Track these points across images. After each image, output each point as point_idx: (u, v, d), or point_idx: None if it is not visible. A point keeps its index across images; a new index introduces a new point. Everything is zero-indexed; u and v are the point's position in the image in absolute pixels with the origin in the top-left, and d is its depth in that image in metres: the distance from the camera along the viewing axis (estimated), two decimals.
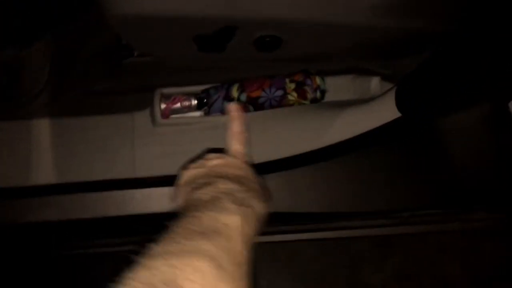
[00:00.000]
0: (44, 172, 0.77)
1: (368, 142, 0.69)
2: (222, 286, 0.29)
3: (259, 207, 0.42)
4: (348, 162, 0.71)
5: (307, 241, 1.23)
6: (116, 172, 0.77)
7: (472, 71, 0.52)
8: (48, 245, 1.09)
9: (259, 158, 0.73)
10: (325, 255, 1.27)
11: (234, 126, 0.52)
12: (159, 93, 0.79)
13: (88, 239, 1.08)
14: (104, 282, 0.29)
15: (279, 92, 0.77)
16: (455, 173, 0.71)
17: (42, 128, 0.78)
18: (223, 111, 0.78)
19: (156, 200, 0.72)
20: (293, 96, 0.77)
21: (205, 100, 0.79)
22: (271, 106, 0.78)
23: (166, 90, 0.80)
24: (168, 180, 0.54)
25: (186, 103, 0.79)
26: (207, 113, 0.80)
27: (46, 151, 0.77)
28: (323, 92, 0.79)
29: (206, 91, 0.81)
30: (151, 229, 0.34)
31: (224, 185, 0.42)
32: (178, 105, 0.79)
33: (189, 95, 0.80)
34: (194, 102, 0.79)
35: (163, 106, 0.79)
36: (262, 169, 0.70)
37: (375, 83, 0.81)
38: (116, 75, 0.81)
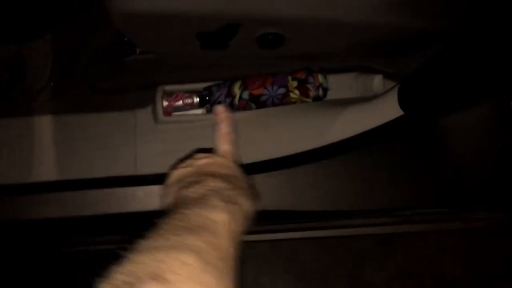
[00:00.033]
0: (46, 169, 0.77)
1: (370, 141, 0.69)
2: (207, 279, 0.29)
3: (246, 205, 0.43)
4: (350, 160, 0.71)
5: (309, 239, 1.23)
6: (118, 169, 0.77)
7: (474, 71, 0.52)
8: (48, 242, 1.09)
9: (261, 156, 0.73)
10: (327, 253, 1.27)
11: (222, 127, 0.53)
12: (161, 91, 0.79)
13: (89, 237, 1.08)
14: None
15: (281, 90, 0.77)
16: (456, 172, 0.71)
17: (44, 125, 0.78)
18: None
19: (157, 198, 0.72)
20: (295, 94, 0.77)
21: (207, 97, 0.79)
22: (273, 104, 0.78)
23: (168, 88, 0.80)
24: None
25: (188, 101, 0.79)
26: (209, 111, 0.80)
27: (47, 148, 0.77)
28: (325, 90, 0.79)
29: (208, 88, 0.81)
30: (150, 227, 0.34)
31: (212, 183, 0.43)
32: (180, 102, 0.79)
33: (191, 93, 0.80)
34: (196, 99, 0.79)
35: (165, 103, 0.79)
36: (264, 167, 0.71)
37: (377, 81, 0.81)
38: (118, 73, 0.81)
